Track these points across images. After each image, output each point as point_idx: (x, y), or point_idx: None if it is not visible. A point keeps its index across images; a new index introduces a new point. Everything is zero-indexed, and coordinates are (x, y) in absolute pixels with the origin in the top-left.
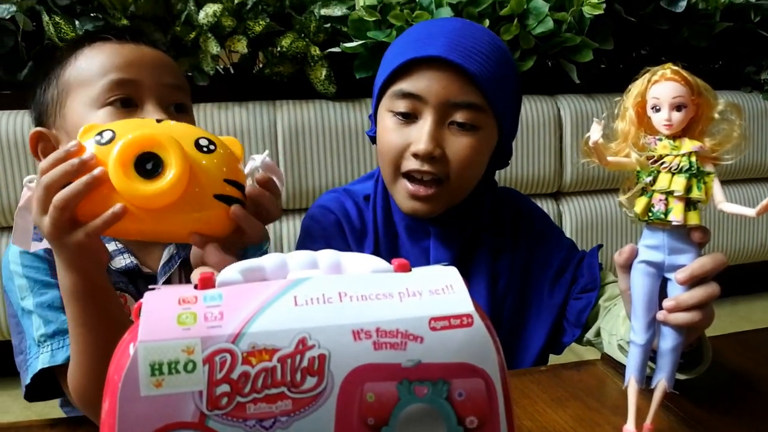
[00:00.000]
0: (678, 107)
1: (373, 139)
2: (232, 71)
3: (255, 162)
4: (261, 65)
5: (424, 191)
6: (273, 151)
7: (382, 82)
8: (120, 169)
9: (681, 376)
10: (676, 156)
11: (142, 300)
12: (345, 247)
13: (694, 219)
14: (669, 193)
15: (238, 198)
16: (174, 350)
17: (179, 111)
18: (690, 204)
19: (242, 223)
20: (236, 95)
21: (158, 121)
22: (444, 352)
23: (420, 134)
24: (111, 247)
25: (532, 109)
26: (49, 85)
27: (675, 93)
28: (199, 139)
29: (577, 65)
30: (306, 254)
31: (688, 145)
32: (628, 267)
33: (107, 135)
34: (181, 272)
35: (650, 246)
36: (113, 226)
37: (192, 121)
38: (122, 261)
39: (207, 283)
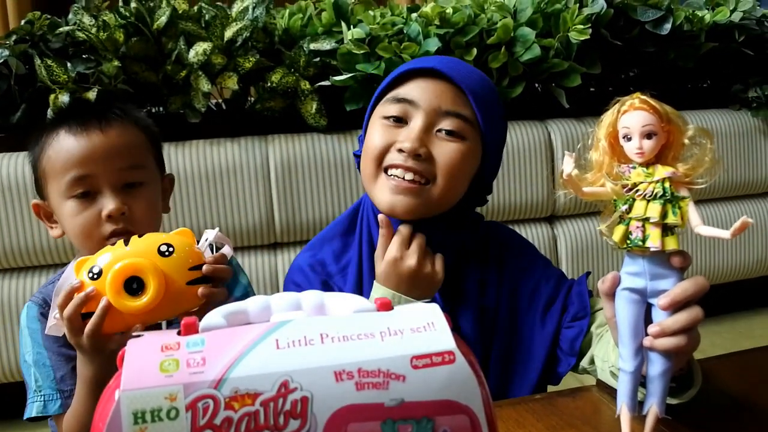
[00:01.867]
0: (648, 135)
1: (359, 160)
2: (224, 107)
3: (208, 237)
4: (252, 100)
5: (406, 184)
6: (266, 186)
7: (377, 95)
8: (114, 294)
9: (673, 401)
10: (650, 183)
11: (125, 347)
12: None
13: (671, 244)
14: (645, 220)
15: (202, 276)
16: (156, 398)
17: (131, 187)
18: (667, 229)
19: (208, 296)
20: (228, 131)
21: (125, 241)
22: (427, 390)
23: (408, 133)
24: None
25: (524, 135)
26: (35, 162)
27: (644, 122)
28: (159, 246)
29: (566, 90)
30: (289, 296)
31: (661, 171)
32: (611, 295)
33: (96, 269)
34: None
35: (632, 273)
36: (110, 322)
37: (153, 191)
38: None
39: (190, 328)
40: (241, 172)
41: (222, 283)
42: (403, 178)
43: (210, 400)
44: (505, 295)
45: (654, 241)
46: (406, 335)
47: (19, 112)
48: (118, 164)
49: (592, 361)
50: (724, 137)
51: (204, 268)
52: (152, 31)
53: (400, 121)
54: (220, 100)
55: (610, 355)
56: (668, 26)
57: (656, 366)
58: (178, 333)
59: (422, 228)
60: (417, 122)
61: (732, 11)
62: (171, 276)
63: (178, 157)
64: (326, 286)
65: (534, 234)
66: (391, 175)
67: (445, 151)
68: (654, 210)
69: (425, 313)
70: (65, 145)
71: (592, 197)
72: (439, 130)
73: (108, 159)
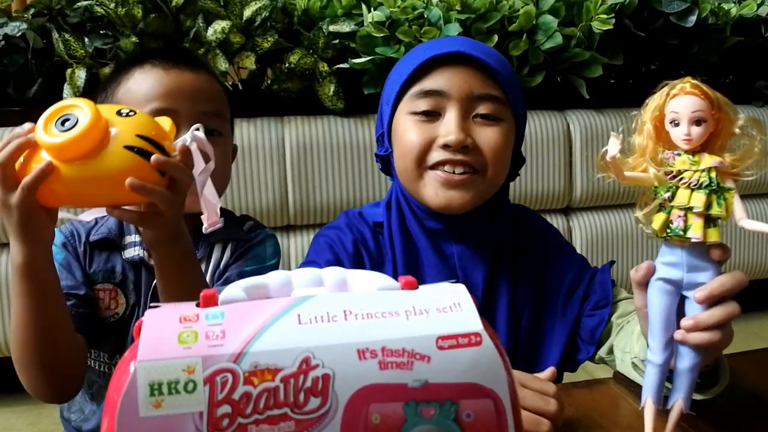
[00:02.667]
0: (697, 122)
1: (383, 160)
2: (240, 87)
3: (185, 136)
4: (269, 81)
5: (459, 177)
6: (281, 167)
7: (398, 89)
8: (43, 127)
9: (698, 397)
10: (695, 171)
11: (142, 318)
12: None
13: (713, 236)
14: (688, 209)
15: (150, 152)
16: (174, 370)
17: (209, 135)
18: (709, 221)
19: (166, 169)
20: (245, 111)
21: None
22: (452, 372)
23: (448, 127)
24: (130, 239)
25: (542, 125)
26: (105, 97)
27: (694, 107)
28: (121, 109)
29: (587, 80)
30: (311, 272)
31: (708, 160)
32: (644, 284)
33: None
34: None
35: (668, 263)
36: (46, 189)
37: (228, 147)
38: (132, 252)
39: (209, 300)
40: (256, 153)
41: (179, 188)
42: (453, 173)
43: (229, 374)
44: (534, 281)
45: (696, 232)
46: (431, 315)
47: (35, 87)
48: (203, 106)
49: (610, 351)
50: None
51: (153, 158)
52: (171, 8)
53: (432, 114)
54: (237, 81)
55: (634, 346)
56: (693, 18)
57: (685, 360)
58: (197, 305)
59: (469, 218)
60: (453, 113)
61: (759, 5)
62: (115, 133)
63: None
64: (355, 247)
65: (550, 223)
66: (438, 170)
67: (487, 137)
68: (698, 200)
69: (452, 293)
70: (152, 77)
71: (633, 182)
72: (476, 116)
73: (194, 98)
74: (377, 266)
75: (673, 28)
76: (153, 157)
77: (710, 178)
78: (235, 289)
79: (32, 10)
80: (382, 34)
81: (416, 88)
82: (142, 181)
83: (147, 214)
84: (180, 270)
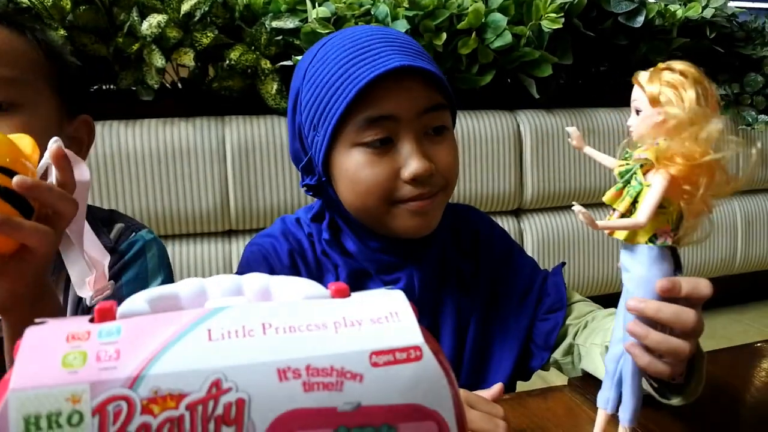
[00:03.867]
0: (637, 111)
1: (313, 189)
2: (179, 86)
3: (46, 156)
4: (210, 79)
5: (429, 203)
6: (222, 170)
7: (338, 117)
8: None
9: (664, 401)
10: (621, 164)
11: (22, 337)
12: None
13: (618, 233)
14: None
15: (7, 188)
16: (56, 399)
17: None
18: (624, 217)
19: (35, 195)
20: (183, 110)
21: None
22: (388, 391)
23: (409, 156)
24: None
25: (492, 125)
26: None
27: (633, 96)
28: None
29: (537, 80)
30: (229, 278)
31: (636, 154)
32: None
33: None
34: None
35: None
36: None
37: (33, 119)
38: None
39: (105, 314)
40: (195, 154)
41: (57, 220)
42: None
43: (123, 403)
44: (482, 284)
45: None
46: (364, 326)
47: None
48: None
49: (566, 353)
50: None
51: (15, 179)
52: (103, 0)
53: (385, 142)
54: (175, 79)
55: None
56: (641, 19)
57: (627, 366)
58: (91, 320)
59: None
60: (409, 140)
61: (704, 7)
62: None
63: (128, 136)
64: (291, 258)
65: (499, 225)
66: (406, 201)
67: (444, 154)
68: (609, 192)
69: (388, 301)
70: None
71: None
72: (427, 133)
73: None
74: (315, 277)
75: (622, 29)
76: (15, 179)
77: (627, 172)
78: (138, 300)
79: None
80: (327, 31)
81: (360, 117)
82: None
83: (10, 263)
84: None
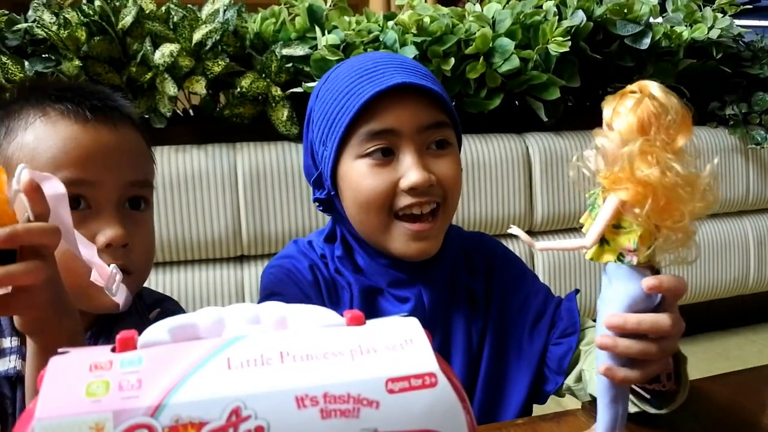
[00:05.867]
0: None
1: (324, 203)
2: (191, 113)
3: (19, 175)
4: (221, 106)
5: (428, 226)
6: (233, 195)
7: (342, 132)
8: None
9: (651, 410)
10: (596, 189)
11: (46, 366)
12: (319, 297)
13: (592, 254)
14: None
15: None
16: (80, 428)
17: (134, 208)
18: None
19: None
20: (195, 137)
21: None
22: (404, 418)
23: (408, 167)
24: (5, 343)
25: (501, 148)
26: None
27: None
28: None
29: (545, 103)
30: (246, 308)
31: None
32: None
33: None
34: None
35: None
36: None
37: (151, 214)
38: (6, 363)
39: (127, 344)
40: (207, 180)
41: (43, 251)
42: (421, 214)
43: (145, 430)
44: (495, 308)
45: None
46: (380, 354)
47: None
48: (132, 175)
49: (578, 380)
50: (701, 155)
51: None
52: (117, 31)
53: (386, 154)
54: (188, 106)
55: None
56: (647, 41)
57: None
58: (113, 350)
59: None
60: (410, 152)
61: (710, 28)
62: None
63: None
64: (312, 273)
65: (511, 249)
66: (404, 215)
67: (445, 168)
68: (584, 215)
69: (402, 328)
70: (63, 132)
71: None
72: (429, 147)
73: (120, 165)
74: (333, 293)
75: (628, 51)
76: None
77: (590, 195)
78: (159, 329)
79: None
80: (336, 58)
81: (363, 130)
82: None
83: (13, 298)
84: None
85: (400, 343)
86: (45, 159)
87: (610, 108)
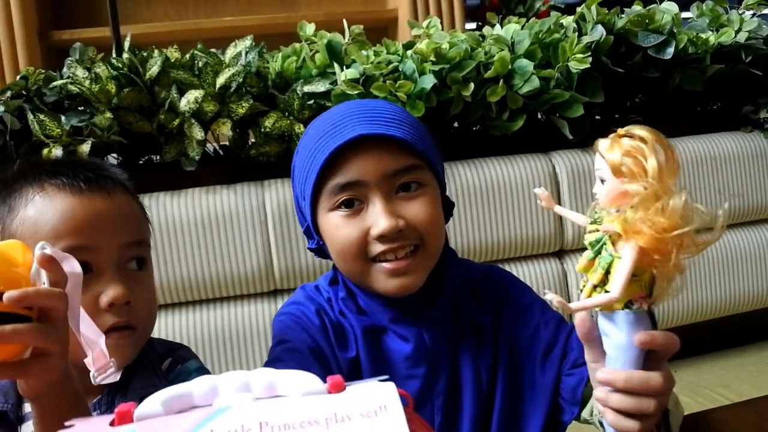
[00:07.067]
0: (602, 180)
1: (317, 252)
2: (221, 153)
3: (38, 252)
4: (249, 145)
5: (405, 263)
6: (263, 232)
7: (312, 188)
8: None
9: None
10: (590, 232)
11: None
12: (327, 341)
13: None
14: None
15: (2, 312)
16: None
17: (136, 268)
18: (598, 286)
19: (28, 304)
20: (225, 178)
21: None
22: None
23: (375, 215)
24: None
25: (527, 168)
26: None
27: (596, 165)
28: None
29: (569, 120)
30: (238, 376)
31: (606, 223)
32: (589, 339)
33: None
34: None
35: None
36: None
37: (150, 272)
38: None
39: (124, 417)
40: (237, 219)
41: (54, 315)
42: (396, 258)
43: None
44: (504, 342)
45: (582, 294)
46: (354, 421)
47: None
48: (127, 236)
49: (592, 412)
50: (736, 160)
51: (5, 297)
52: (144, 81)
53: (353, 204)
54: (217, 146)
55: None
56: (671, 50)
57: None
58: (111, 423)
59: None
60: (377, 200)
61: (737, 32)
62: None
63: (173, 206)
64: (319, 317)
65: (543, 270)
66: (381, 261)
67: (417, 211)
68: (582, 261)
69: (378, 394)
70: (60, 205)
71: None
72: (398, 192)
73: (115, 229)
74: (339, 335)
75: (652, 61)
76: (5, 295)
77: (599, 242)
78: (153, 402)
79: (9, 93)
80: (356, 92)
81: (331, 184)
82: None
83: (31, 362)
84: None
85: (374, 410)
86: (46, 231)
87: (615, 152)
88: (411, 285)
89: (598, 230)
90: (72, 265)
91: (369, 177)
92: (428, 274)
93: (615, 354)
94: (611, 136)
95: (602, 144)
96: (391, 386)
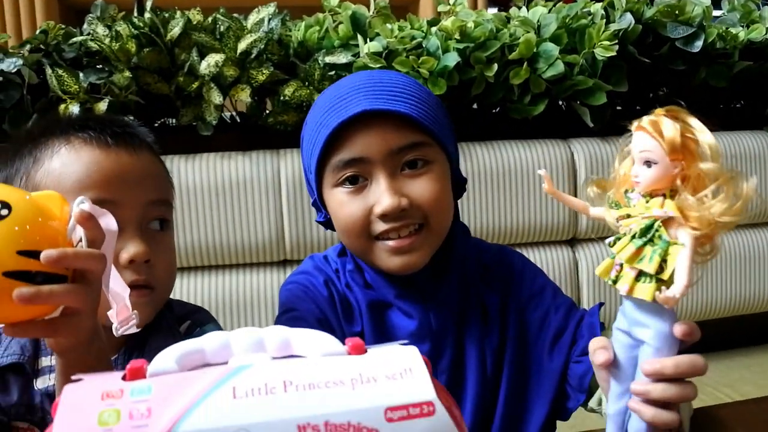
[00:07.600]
0: (647, 162)
1: (326, 225)
2: (238, 120)
3: (75, 209)
4: (266, 113)
5: (408, 241)
6: (276, 201)
7: (317, 163)
8: None
9: None
10: (636, 218)
11: (61, 394)
12: (334, 312)
13: (642, 293)
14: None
15: (38, 271)
16: None
17: (158, 228)
18: (645, 275)
19: (30, 301)
20: (240, 144)
21: None
22: None
23: (379, 193)
24: (45, 362)
25: (545, 153)
26: (14, 177)
27: (642, 146)
28: None
29: (591, 108)
30: (251, 333)
31: (656, 208)
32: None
33: None
34: None
35: (621, 311)
36: None
37: (171, 234)
38: (48, 381)
39: (136, 373)
40: (251, 186)
41: (91, 277)
42: (399, 237)
43: None
44: (512, 326)
45: (622, 284)
46: (380, 383)
47: (30, 122)
48: (151, 195)
49: (600, 402)
50: (758, 160)
51: (42, 258)
52: (165, 42)
53: (358, 180)
54: (234, 113)
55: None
56: (699, 44)
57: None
58: (123, 377)
59: (427, 268)
60: (380, 178)
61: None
62: None
63: (188, 170)
64: (327, 287)
65: (554, 257)
66: (384, 239)
67: (422, 189)
68: (627, 251)
69: (402, 356)
70: (86, 158)
71: (599, 220)
72: (403, 169)
73: (140, 186)
74: (346, 308)
75: (680, 54)
76: (43, 254)
77: (649, 228)
78: (166, 358)
79: (28, 46)
80: (378, 65)
81: (334, 160)
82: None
83: (61, 321)
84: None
85: (400, 372)
86: (70, 183)
87: (671, 131)
88: (415, 263)
89: (636, 217)
90: (108, 222)
91: (373, 154)
92: (434, 252)
93: (658, 344)
94: (654, 113)
95: (651, 123)
96: (414, 349)
